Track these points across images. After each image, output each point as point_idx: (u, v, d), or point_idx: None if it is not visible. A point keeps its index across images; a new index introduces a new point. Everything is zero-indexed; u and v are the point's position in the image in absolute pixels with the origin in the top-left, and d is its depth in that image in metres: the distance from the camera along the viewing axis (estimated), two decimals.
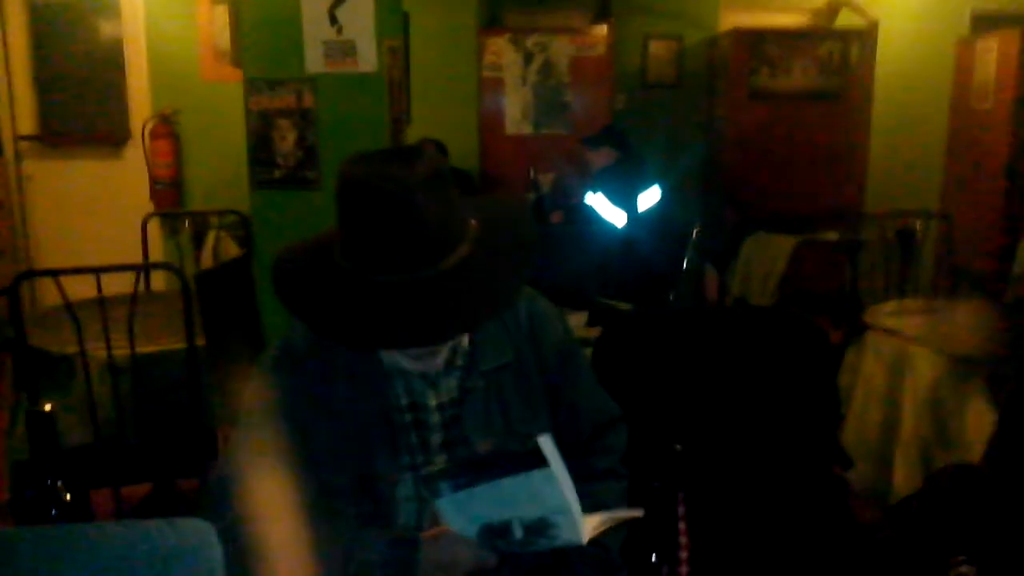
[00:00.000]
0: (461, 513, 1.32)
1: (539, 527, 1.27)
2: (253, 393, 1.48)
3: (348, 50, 3.23)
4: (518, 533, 1.29)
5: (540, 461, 1.19)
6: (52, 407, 2.07)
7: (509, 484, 1.23)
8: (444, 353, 1.45)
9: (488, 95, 5.75)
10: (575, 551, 1.39)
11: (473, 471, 1.27)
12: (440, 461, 1.45)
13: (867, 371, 3.15)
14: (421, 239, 1.30)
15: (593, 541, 1.32)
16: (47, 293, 5.13)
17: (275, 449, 1.39)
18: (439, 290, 1.30)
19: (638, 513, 1.39)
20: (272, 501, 1.35)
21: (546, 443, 1.19)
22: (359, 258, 1.32)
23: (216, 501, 1.41)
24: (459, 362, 1.49)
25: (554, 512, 1.25)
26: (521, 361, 1.52)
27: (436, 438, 1.47)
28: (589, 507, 1.32)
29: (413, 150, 1.35)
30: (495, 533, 1.31)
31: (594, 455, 1.60)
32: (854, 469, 2.84)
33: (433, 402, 1.47)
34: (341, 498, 1.41)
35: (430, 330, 1.31)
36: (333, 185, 1.35)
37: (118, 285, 2.80)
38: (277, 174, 3.32)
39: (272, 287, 1.41)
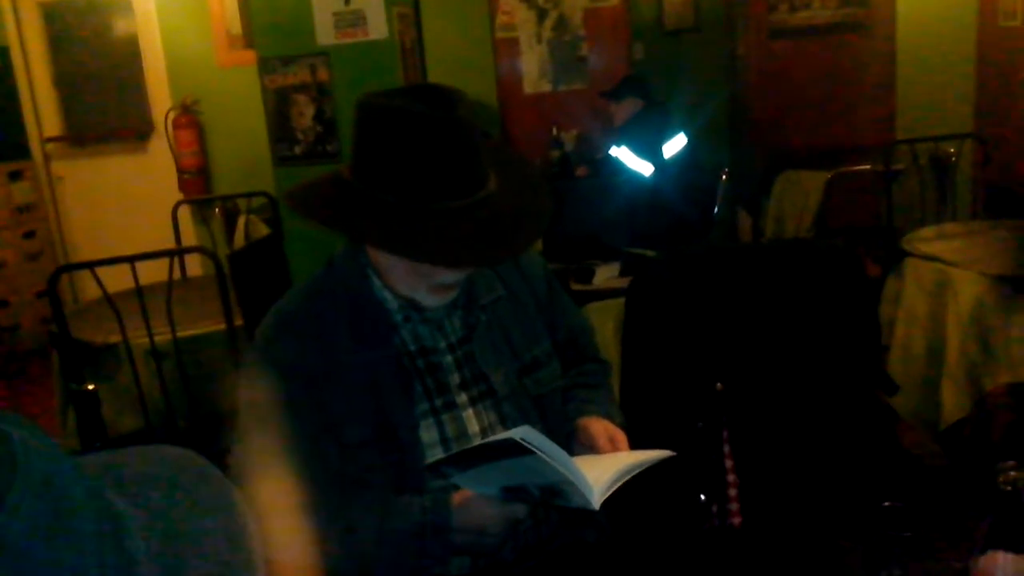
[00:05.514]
0: (478, 482, 1.34)
1: (551, 491, 1.28)
2: (255, 376, 1.47)
3: (358, 20, 3.22)
4: (535, 492, 1.30)
5: (524, 450, 1.19)
6: (95, 387, 2.11)
7: (508, 464, 1.25)
8: (456, 291, 1.49)
9: (504, 56, 5.70)
10: None
11: (469, 459, 1.29)
12: (462, 400, 1.48)
13: (908, 299, 3.10)
14: (478, 165, 1.38)
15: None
16: (87, 289, 5.22)
17: (289, 436, 1.37)
18: (504, 207, 1.40)
19: (650, 460, 1.37)
20: (288, 496, 1.33)
21: (525, 433, 1.19)
22: (420, 187, 1.34)
23: None
24: (459, 302, 1.52)
25: (559, 484, 1.25)
26: (513, 292, 1.58)
27: (454, 378, 1.49)
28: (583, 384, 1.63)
29: (430, 85, 1.42)
30: (515, 492, 1.32)
31: (587, 360, 1.74)
32: (901, 397, 2.81)
33: (443, 344, 1.50)
34: (365, 452, 1.42)
35: (508, 245, 1.42)
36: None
37: (154, 274, 2.84)
38: (298, 150, 3.33)
39: (350, 237, 1.48)
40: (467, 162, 1.36)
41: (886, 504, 1.14)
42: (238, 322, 2.76)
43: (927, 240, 3.27)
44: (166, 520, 0.58)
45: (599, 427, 1.51)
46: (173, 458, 0.66)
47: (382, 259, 1.45)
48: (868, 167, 4.78)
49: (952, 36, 6.10)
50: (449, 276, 1.43)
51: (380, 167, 1.37)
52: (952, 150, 4.19)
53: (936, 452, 2.99)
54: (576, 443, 1.53)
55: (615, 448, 1.47)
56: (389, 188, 1.35)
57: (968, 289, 2.82)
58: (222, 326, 2.73)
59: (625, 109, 4.73)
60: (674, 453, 1.39)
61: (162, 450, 0.67)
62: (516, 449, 1.19)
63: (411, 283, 1.44)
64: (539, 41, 5.64)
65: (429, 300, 1.46)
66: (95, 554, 0.49)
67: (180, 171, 5.69)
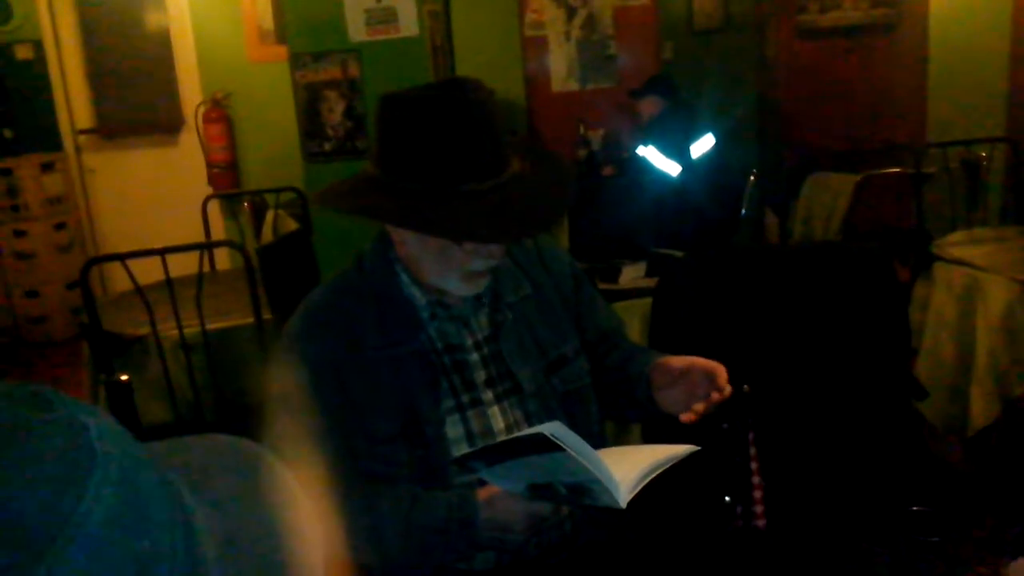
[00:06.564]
0: (505, 478, 1.34)
1: (579, 489, 1.28)
2: (284, 370, 1.48)
3: (389, 17, 3.23)
4: (562, 490, 1.30)
5: (552, 446, 1.19)
6: (128, 378, 2.14)
7: (536, 460, 1.25)
8: (488, 279, 1.50)
9: (532, 54, 5.70)
10: None
11: (497, 453, 1.29)
12: (487, 397, 1.50)
13: (937, 303, 3.08)
14: (500, 146, 1.41)
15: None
16: (116, 280, 5.28)
17: (317, 430, 1.38)
18: (530, 187, 1.43)
19: (676, 455, 1.36)
20: (318, 490, 1.34)
21: (554, 428, 1.19)
22: (444, 169, 1.36)
23: None
24: (485, 299, 1.53)
25: (587, 482, 1.25)
26: (540, 290, 1.59)
27: (480, 375, 1.51)
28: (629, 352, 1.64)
29: (448, 78, 1.45)
30: (541, 490, 1.33)
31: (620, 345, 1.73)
32: (929, 403, 2.79)
33: (469, 341, 1.52)
34: (392, 447, 1.43)
35: (537, 220, 1.46)
36: None
37: (183, 267, 2.86)
38: (327, 146, 3.35)
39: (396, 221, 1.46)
40: (488, 142, 1.38)
41: (914, 509, 1.14)
42: (266, 316, 2.79)
43: (957, 245, 3.24)
44: (230, 510, 0.60)
45: (677, 360, 1.51)
46: (236, 448, 0.68)
47: (412, 251, 1.46)
48: (898, 170, 4.74)
49: (985, 38, 6.02)
50: (480, 262, 1.44)
51: (404, 156, 1.39)
52: (984, 154, 4.15)
53: (963, 458, 2.96)
54: (656, 389, 1.53)
55: (695, 369, 1.47)
56: (415, 176, 1.37)
57: (998, 294, 2.80)
58: (250, 320, 2.75)
59: (647, 107, 4.73)
60: (699, 447, 1.39)
61: (223, 440, 0.68)
62: (545, 445, 1.19)
63: (442, 272, 1.45)
64: (568, 39, 5.63)
65: (460, 289, 1.47)
66: (167, 542, 0.51)
67: (209, 165, 5.74)
